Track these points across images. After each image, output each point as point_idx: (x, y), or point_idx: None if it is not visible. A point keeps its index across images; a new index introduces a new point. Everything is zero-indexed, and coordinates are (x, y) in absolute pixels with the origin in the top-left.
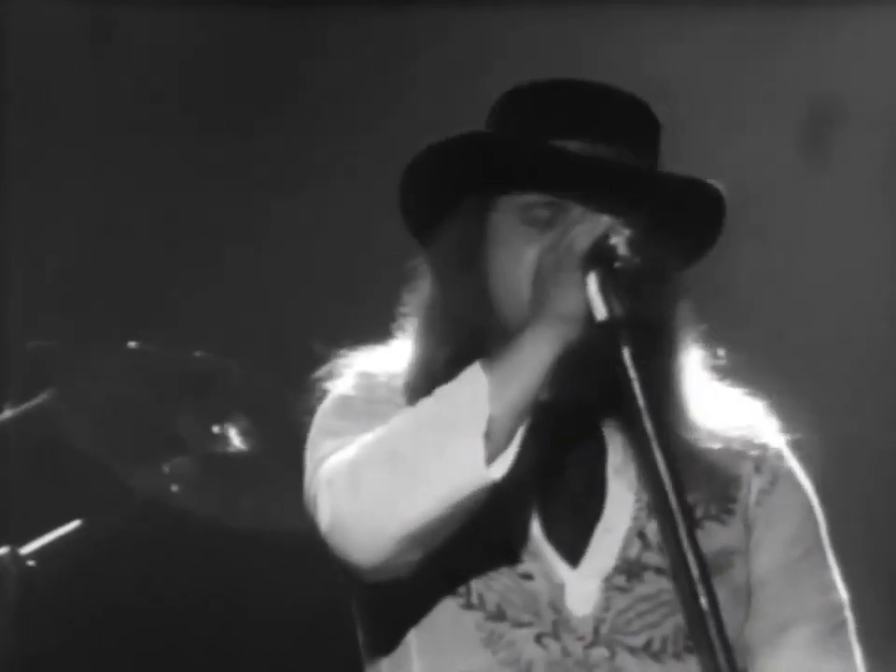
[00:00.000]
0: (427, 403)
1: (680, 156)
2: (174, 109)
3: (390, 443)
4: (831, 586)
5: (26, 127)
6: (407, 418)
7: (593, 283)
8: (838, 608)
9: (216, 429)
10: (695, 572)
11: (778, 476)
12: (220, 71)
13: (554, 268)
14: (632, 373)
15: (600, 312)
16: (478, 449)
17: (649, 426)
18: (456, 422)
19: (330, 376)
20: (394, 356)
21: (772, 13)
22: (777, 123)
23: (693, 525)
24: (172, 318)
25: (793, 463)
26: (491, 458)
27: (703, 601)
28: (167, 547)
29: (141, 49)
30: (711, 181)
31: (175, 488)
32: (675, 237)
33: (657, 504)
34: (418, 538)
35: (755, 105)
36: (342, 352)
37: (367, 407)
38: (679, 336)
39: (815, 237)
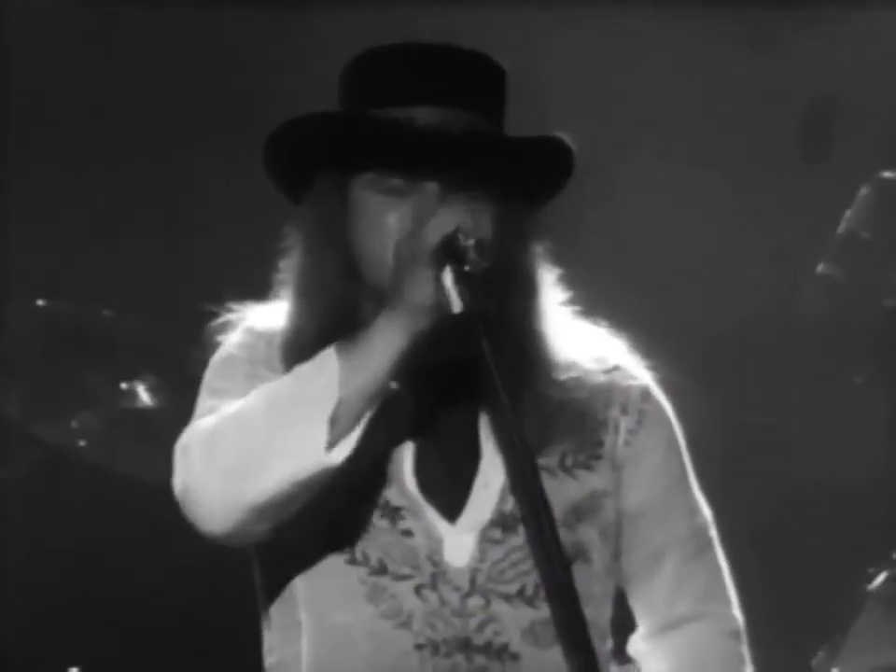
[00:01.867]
0: (282, 382)
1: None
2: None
3: (244, 418)
4: (696, 510)
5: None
6: (262, 394)
7: (448, 277)
8: (704, 528)
9: (124, 386)
10: (552, 554)
11: (644, 414)
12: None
13: (407, 260)
14: (490, 365)
15: (456, 304)
16: (321, 433)
17: (509, 416)
18: (305, 404)
19: (223, 329)
20: (277, 314)
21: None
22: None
23: (552, 520)
24: (81, 278)
25: (657, 398)
26: (334, 442)
27: (561, 592)
28: (74, 497)
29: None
30: (554, 134)
31: (82, 443)
32: (523, 184)
33: (519, 497)
34: (264, 512)
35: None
36: (232, 307)
37: (247, 368)
38: (538, 279)
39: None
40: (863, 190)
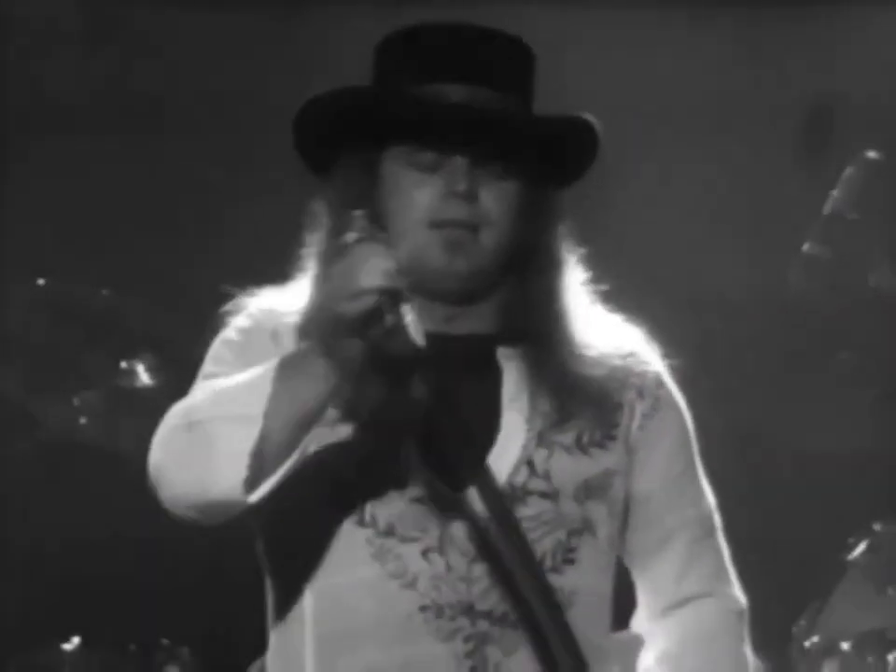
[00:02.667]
0: (230, 387)
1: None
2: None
3: (194, 415)
4: (703, 496)
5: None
6: (214, 396)
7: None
8: (709, 514)
9: (123, 365)
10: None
11: (659, 400)
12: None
13: (330, 320)
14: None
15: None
16: (239, 470)
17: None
18: (233, 428)
19: (236, 311)
20: (295, 295)
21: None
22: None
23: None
24: (82, 257)
25: (671, 386)
26: (255, 479)
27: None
28: (75, 473)
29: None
30: (581, 114)
31: (83, 420)
32: (550, 163)
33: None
34: (196, 513)
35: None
36: (249, 290)
37: (241, 355)
38: (561, 258)
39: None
40: (848, 171)
